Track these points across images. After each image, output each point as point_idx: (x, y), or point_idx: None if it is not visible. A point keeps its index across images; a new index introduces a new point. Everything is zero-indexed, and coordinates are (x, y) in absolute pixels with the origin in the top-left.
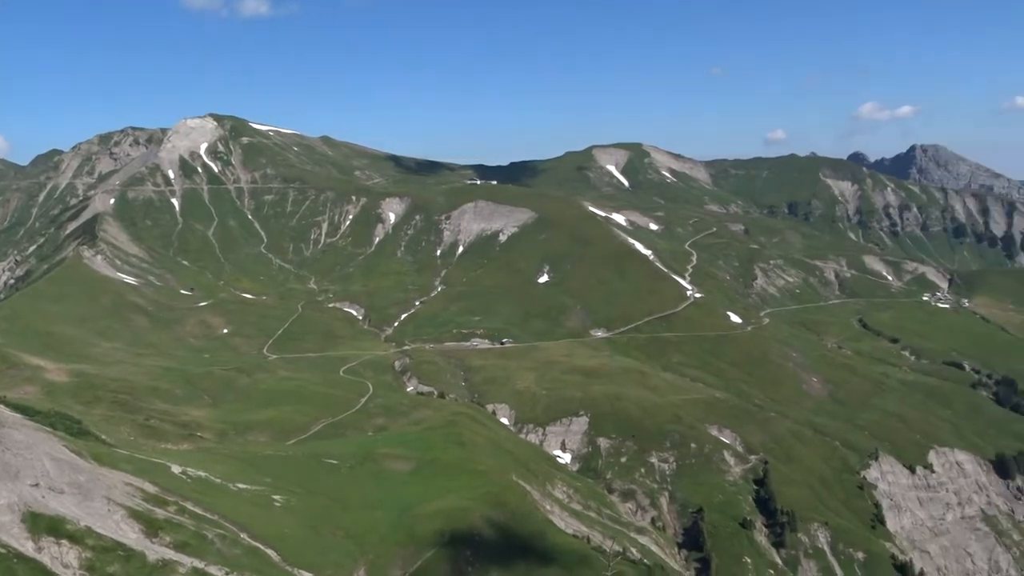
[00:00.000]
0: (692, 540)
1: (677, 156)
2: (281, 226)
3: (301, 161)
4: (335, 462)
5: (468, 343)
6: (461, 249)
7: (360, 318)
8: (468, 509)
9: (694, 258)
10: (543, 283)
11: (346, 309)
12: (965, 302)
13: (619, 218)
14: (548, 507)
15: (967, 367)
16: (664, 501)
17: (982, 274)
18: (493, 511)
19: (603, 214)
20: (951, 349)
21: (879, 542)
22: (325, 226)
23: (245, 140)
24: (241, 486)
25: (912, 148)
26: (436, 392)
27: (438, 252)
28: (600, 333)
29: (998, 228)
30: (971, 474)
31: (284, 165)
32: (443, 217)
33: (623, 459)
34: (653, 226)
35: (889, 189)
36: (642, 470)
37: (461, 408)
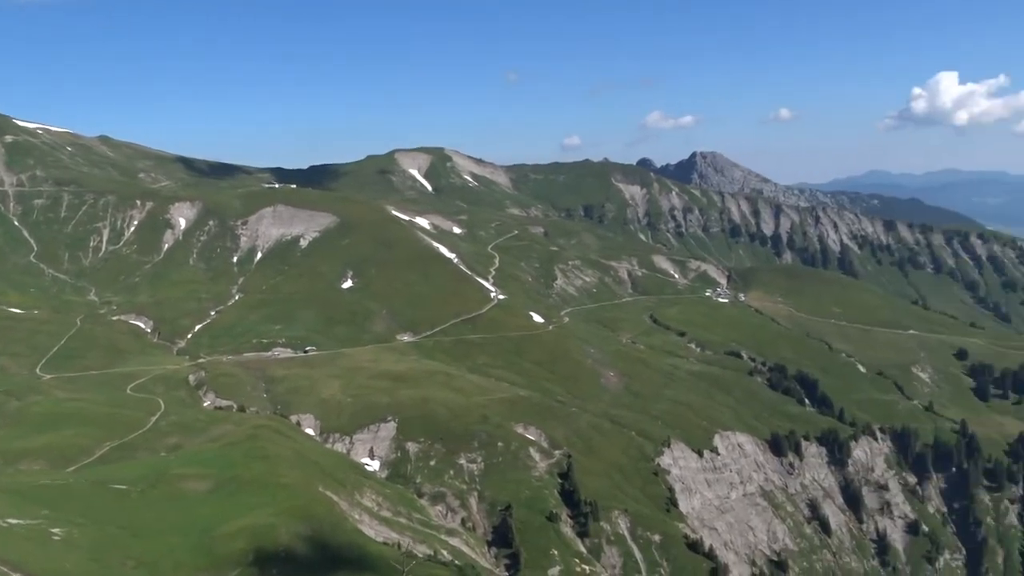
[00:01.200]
0: (502, 537)
1: (479, 161)
2: (55, 233)
3: (76, 162)
4: (124, 487)
5: (269, 353)
6: (260, 255)
7: (149, 331)
8: (273, 525)
9: (497, 260)
10: (347, 288)
11: (132, 322)
12: (742, 296)
13: (423, 222)
14: (357, 516)
15: (745, 356)
16: (473, 501)
17: (755, 271)
18: (300, 525)
19: (407, 218)
20: (731, 340)
21: (673, 524)
22: (106, 233)
23: (8, 138)
24: (12, 521)
25: (693, 155)
26: (236, 406)
27: (235, 259)
28: (406, 337)
29: (768, 228)
30: (751, 454)
31: (56, 166)
32: (239, 222)
33: (432, 462)
34: (456, 229)
35: (674, 193)
36: (451, 472)
37: (263, 421)
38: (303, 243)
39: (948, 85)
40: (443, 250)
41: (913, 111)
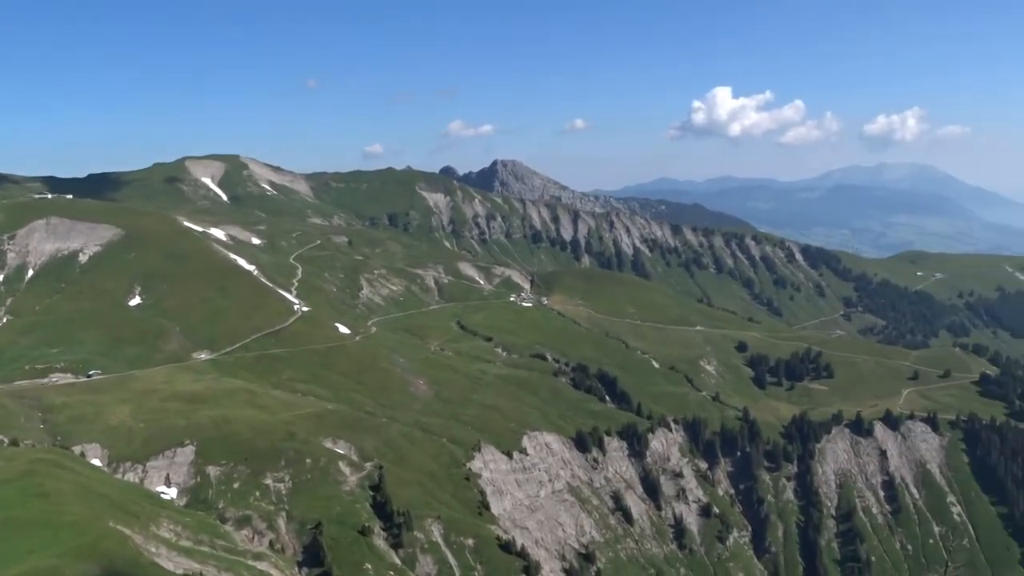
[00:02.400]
0: (313, 556)
1: (277, 169)
2: None
3: None
4: None
5: (46, 380)
6: (31, 273)
7: None
8: (56, 568)
9: (300, 271)
10: (135, 306)
11: None
12: (544, 300)
13: (219, 233)
14: (154, 549)
15: (549, 358)
16: (282, 522)
17: (556, 275)
18: (88, 565)
19: (200, 229)
20: (536, 343)
21: (486, 526)
22: None
23: None
24: None
25: (495, 163)
26: (7, 440)
27: (1, 278)
28: (204, 355)
29: (567, 233)
30: (557, 452)
31: None
32: (6, 237)
33: (236, 485)
34: (256, 240)
35: (477, 200)
36: (257, 493)
37: (41, 454)
38: (83, 258)
39: (723, 99)
40: (241, 262)
41: (694, 122)
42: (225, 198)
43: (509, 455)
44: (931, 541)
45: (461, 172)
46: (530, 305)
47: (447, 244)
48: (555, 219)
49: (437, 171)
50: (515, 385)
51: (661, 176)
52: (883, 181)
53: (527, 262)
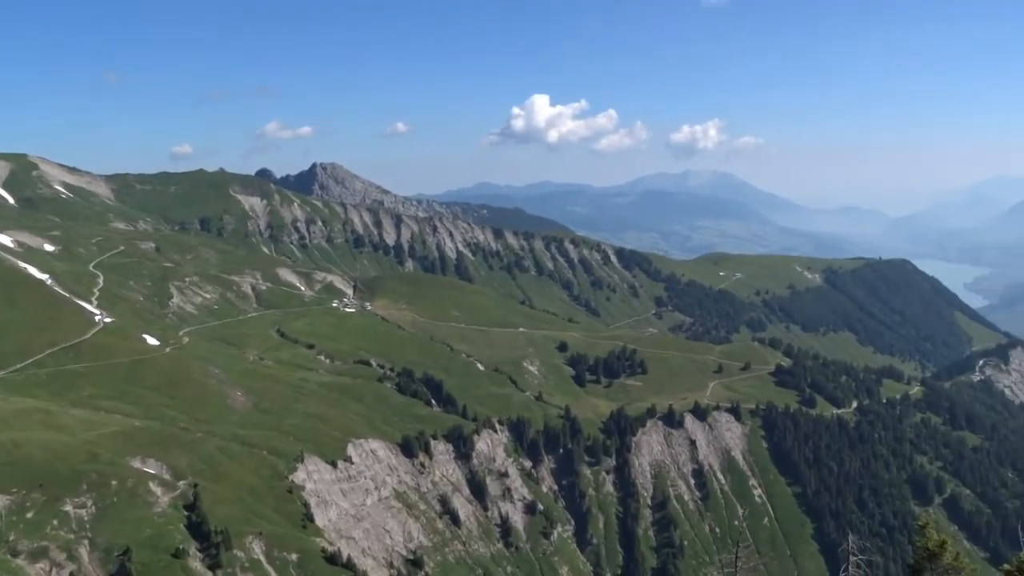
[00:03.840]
0: None
1: (72, 170)
2: None
3: None
4: None
5: None
6: None
7: None
8: None
9: (101, 280)
10: None
11: None
12: (368, 305)
13: (5, 239)
14: None
15: (374, 363)
16: (84, 551)
17: (380, 279)
18: None
19: None
20: (360, 349)
21: (310, 539)
22: None
23: None
24: None
25: (314, 166)
26: None
27: None
28: None
29: (390, 238)
30: (384, 459)
31: None
32: None
33: (29, 514)
34: (49, 247)
35: (296, 204)
36: (55, 522)
37: None
38: None
39: (541, 106)
40: (33, 271)
41: (513, 129)
42: (12, 201)
43: (334, 464)
44: (736, 523)
45: (279, 175)
46: (353, 311)
47: (265, 249)
48: (378, 223)
49: (253, 174)
50: (339, 392)
51: (482, 181)
52: (688, 187)
53: (349, 267)
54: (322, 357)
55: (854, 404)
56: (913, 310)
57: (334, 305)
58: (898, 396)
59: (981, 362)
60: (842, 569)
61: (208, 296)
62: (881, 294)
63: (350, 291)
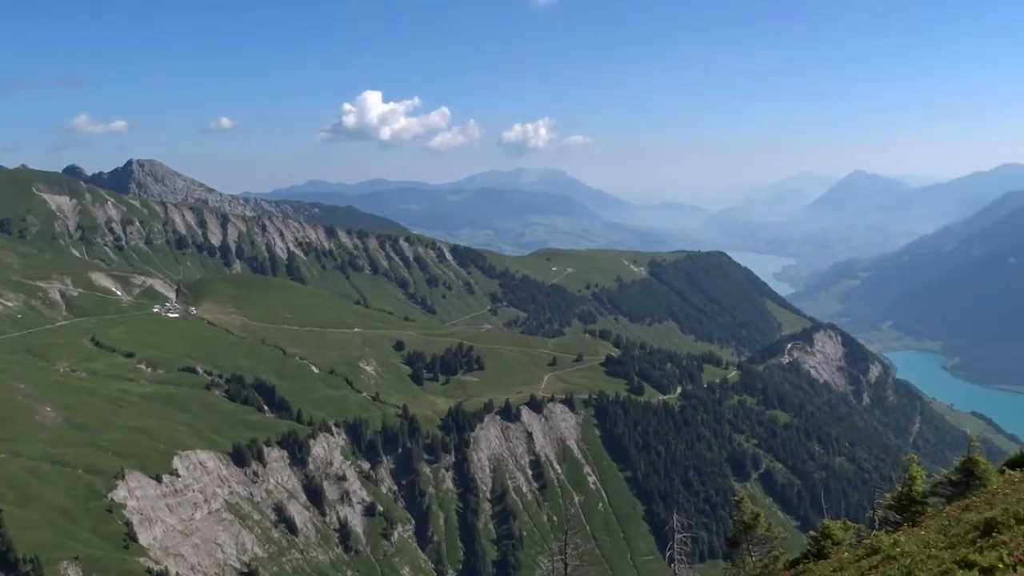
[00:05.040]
0: None
1: None
2: None
3: None
4: None
5: None
6: None
7: None
8: None
9: None
10: None
11: None
12: (193, 310)
13: None
14: None
15: (200, 371)
16: None
17: (206, 282)
18: None
19: None
20: (185, 356)
21: (133, 560)
22: None
23: None
24: None
25: (130, 163)
26: None
27: None
28: None
29: (216, 238)
30: (213, 470)
31: None
32: None
33: None
34: None
35: (110, 203)
36: None
37: None
38: None
39: (374, 103)
40: None
41: (345, 125)
42: None
43: (158, 479)
44: (573, 511)
45: (90, 172)
46: (177, 316)
47: (75, 252)
48: (202, 223)
49: (60, 170)
50: (162, 403)
51: (314, 179)
52: (520, 184)
53: (172, 270)
54: (143, 366)
55: (678, 390)
56: (729, 299)
57: (155, 310)
58: (717, 380)
59: (789, 345)
60: (668, 547)
61: (10, 304)
62: (700, 285)
63: (173, 295)
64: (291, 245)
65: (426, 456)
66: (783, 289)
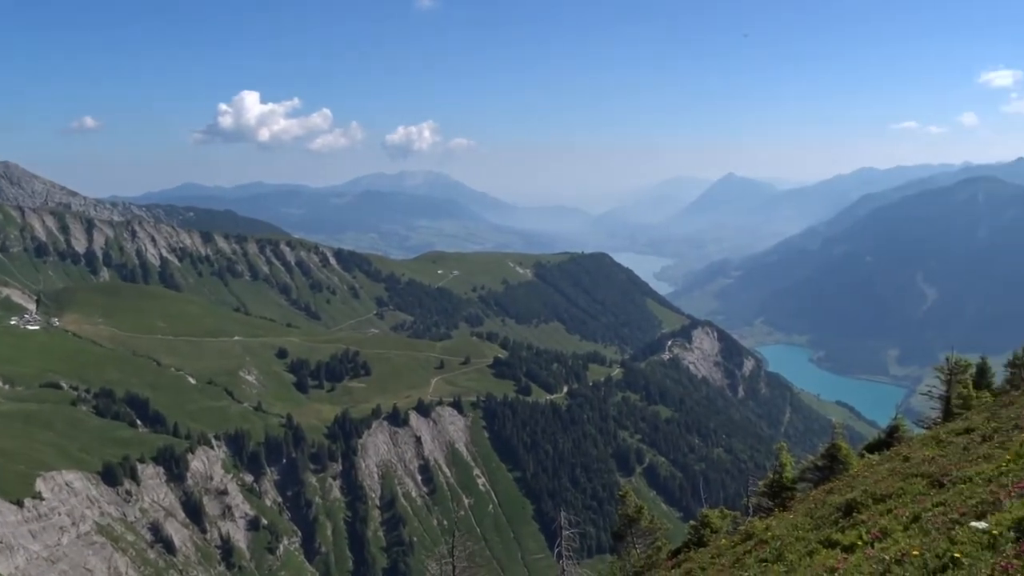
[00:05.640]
0: None
1: None
2: None
3: None
4: None
5: None
6: None
7: None
8: None
9: None
10: None
11: None
12: (56, 321)
13: None
14: None
15: (65, 386)
16: None
17: (69, 292)
18: None
19: None
20: (47, 370)
21: None
22: None
23: None
24: None
25: None
26: None
27: None
28: None
29: (80, 245)
30: (81, 491)
31: None
32: None
33: None
34: None
35: None
36: None
37: None
38: None
39: (251, 103)
40: None
41: (221, 126)
42: None
43: (19, 503)
44: (463, 513)
45: None
46: (37, 328)
47: None
48: (64, 229)
49: None
50: (22, 422)
51: (188, 181)
52: (405, 187)
53: (31, 279)
54: (0, 383)
55: (565, 389)
56: (612, 299)
57: (13, 323)
58: (602, 379)
59: (669, 343)
60: (556, 544)
61: None
62: (584, 285)
63: (32, 306)
64: (164, 251)
65: (312, 465)
66: (662, 288)
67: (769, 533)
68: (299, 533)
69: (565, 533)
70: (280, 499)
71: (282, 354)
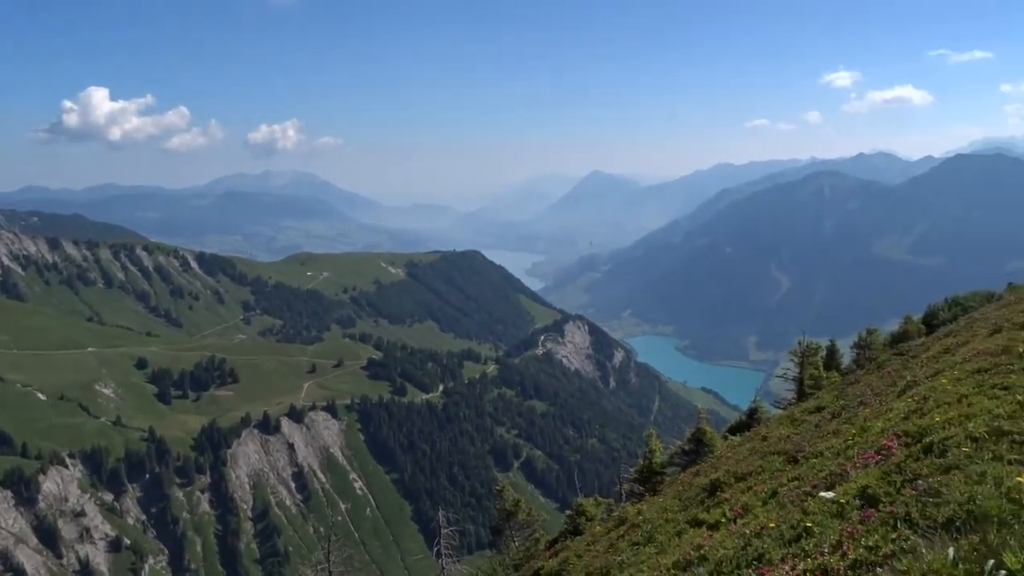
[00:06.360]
0: None
1: None
2: None
3: None
4: None
5: None
6: None
7: None
8: None
9: None
10: None
11: None
12: None
13: None
14: None
15: None
16: None
17: None
18: None
19: None
20: None
21: None
22: None
23: None
24: None
25: None
26: None
27: None
28: None
29: None
30: None
31: None
32: None
33: None
34: None
35: None
36: None
37: None
38: None
39: (100, 100)
40: None
41: (66, 125)
42: None
43: None
44: (339, 518)
45: None
46: None
47: None
48: None
49: None
50: None
51: (30, 184)
52: (270, 187)
53: None
54: None
55: (440, 388)
56: (485, 296)
57: None
58: (478, 376)
59: (543, 338)
60: (435, 543)
61: None
62: (457, 283)
63: None
64: (6, 259)
65: (178, 479)
66: (534, 284)
67: (641, 517)
68: (166, 551)
69: (444, 531)
70: (144, 517)
71: (142, 364)
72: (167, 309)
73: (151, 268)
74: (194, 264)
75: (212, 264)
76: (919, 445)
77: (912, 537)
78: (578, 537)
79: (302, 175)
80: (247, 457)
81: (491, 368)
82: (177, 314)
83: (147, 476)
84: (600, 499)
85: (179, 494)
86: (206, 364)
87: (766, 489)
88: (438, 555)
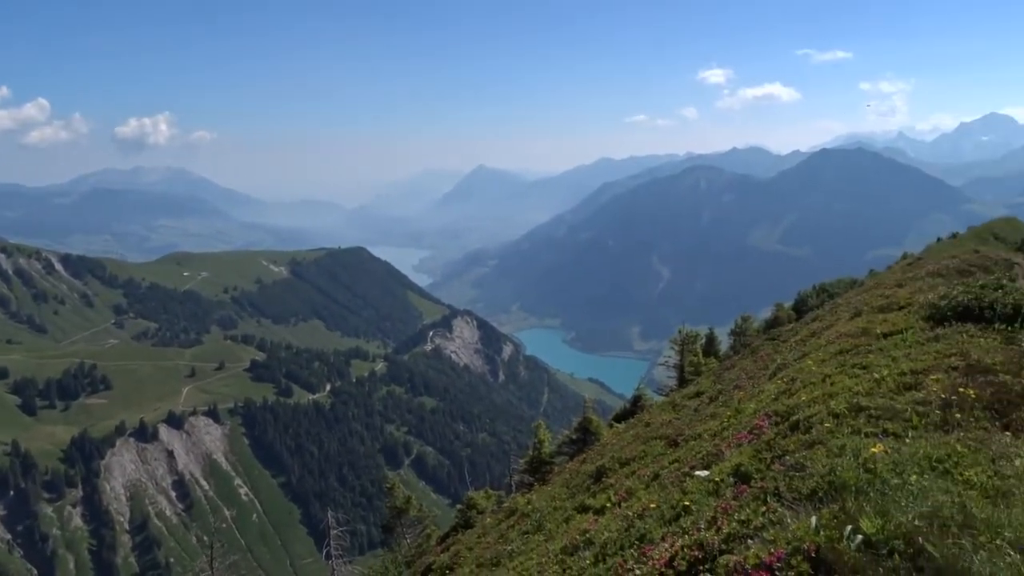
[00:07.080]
0: None
1: None
2: None
3: None
4: None
5: None
6: None
7: None
8: None
9: None
10: None
11: None
12: None
13: None
14: None
15: None
16: None
17: None
18: None
19: None
20: None
21: None
22: None
23: None
24: None
25: None
26: None
27: None
28: None
29: None
30: None
31: None
32: None
33: None
34: None
35: None
36: None
37: None
38: None
39: None
40: None
41: None
42: None
43: None
44: (224, 525)
45: None
46: None
47: None
48: None
49: None
50: None
51: None
52: (140, 184)
53: None
54: None
55: (328, 387)
56: (372, 293)
57: None
58: (366, 374)
59: (431, 333)
60: (324, 545)
61: None
62: (343, 281)
63: None
64: None
65: (46, 494)
66: (422, 280)
67: (530, 506)
68: (34, 571)
69: (333, 533)
70: (9, 536)
71: (3, 374)
72: (30, 314)
73: (11, 271)
74: (59, 266)
75: (79, 266)
76: (787, 423)
77: (780, 509)
78: (469, 530)
79: (176, 171)
80: (122, 467)
81: (379, 366)
82: (41, 320)
83: (11, 492)
84: (491, 492)
85: (48, 510)
86: (75, 371)
87: (648, 472)
88: (327, 556)
